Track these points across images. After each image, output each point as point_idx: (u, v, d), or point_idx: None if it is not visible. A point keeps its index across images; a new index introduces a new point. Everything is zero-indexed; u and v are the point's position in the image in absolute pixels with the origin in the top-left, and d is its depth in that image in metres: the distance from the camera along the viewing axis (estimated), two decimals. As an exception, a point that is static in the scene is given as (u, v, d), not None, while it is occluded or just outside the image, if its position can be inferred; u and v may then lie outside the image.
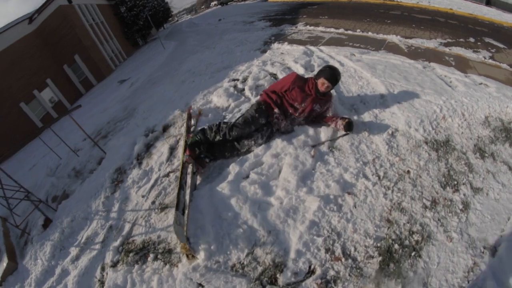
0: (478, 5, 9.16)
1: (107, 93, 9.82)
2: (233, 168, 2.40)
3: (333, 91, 3.19)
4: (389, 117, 2.83)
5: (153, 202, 2.60)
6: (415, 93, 3.13)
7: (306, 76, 3.36)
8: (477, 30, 6.34)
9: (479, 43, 5.41)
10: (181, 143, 3.13)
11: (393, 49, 5.08)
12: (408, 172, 2.26)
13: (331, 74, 2.61)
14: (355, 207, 2.05)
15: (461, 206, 1.98)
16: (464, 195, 2.04)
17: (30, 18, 13.04)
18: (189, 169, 2.54)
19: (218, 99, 3.82)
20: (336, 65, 4.49)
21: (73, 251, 2.62)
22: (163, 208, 2.48)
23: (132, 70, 11.96)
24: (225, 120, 3.29)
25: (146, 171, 3.01)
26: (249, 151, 2.64)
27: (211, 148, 2.72)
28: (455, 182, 2.14)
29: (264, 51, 6.04)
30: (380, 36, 6.05)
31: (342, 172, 2.30)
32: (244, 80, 4.39)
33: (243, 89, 4.04)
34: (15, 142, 7.78)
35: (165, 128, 3.68)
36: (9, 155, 8.44)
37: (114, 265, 2.22)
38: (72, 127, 8.49)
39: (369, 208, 2.04)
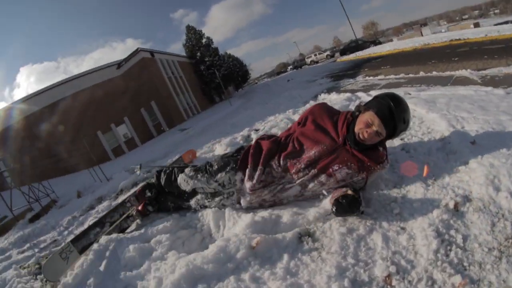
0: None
1: (166, 138, 11.21)
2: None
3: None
4: (453, 171, 1.48)
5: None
6: (501, 125, 1.77)
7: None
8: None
9: None
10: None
11: (463, 82, 3.91)
12: None
13: (390, 108, 1.32)
14: None
15: None
16: None
17: (118, 64, 16.46)
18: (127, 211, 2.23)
19: (219, 147, 3.77)
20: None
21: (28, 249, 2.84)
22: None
23: (197, 121, 13.27)
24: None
25: (112, 205, 3.06)
26: (201, 206, 1.92)
27: (159, 195, 2.18)
28: None
29: (306, 102, 5.43)
30: (447, 73, 4.90)
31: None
32: (263, 129, 4.02)
33: (251, 137, 3.77)
34: (89, 160, 9.10)
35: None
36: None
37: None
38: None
39: None
